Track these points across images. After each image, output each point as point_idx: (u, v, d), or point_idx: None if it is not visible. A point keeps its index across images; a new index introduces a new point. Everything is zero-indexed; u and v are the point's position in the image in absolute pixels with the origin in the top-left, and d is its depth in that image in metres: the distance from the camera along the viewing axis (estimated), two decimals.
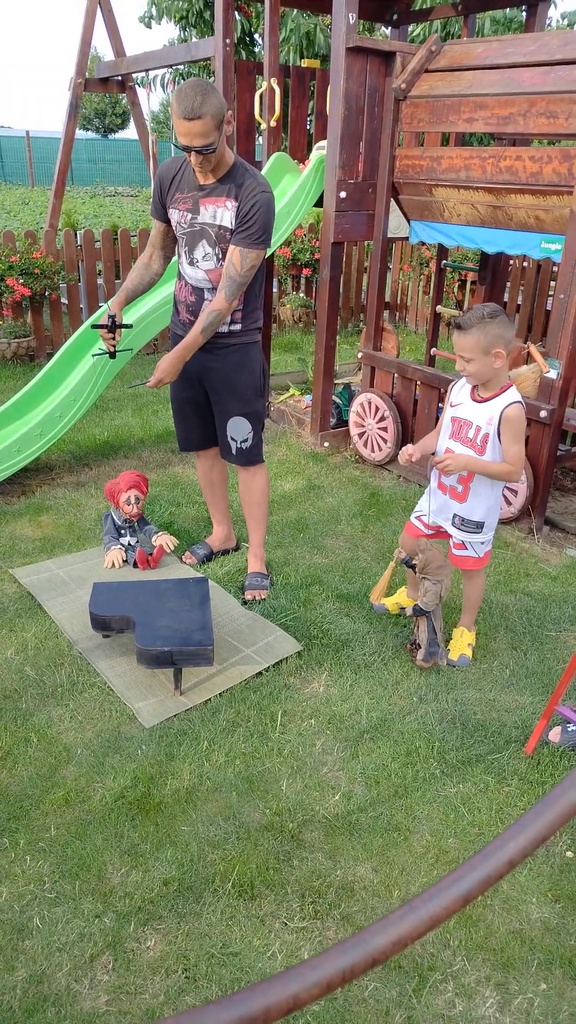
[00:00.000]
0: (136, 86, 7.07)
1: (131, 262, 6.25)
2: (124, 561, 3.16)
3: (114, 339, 2.79)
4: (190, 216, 2.66)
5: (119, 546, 3.18)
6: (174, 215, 2.71)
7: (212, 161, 2.52)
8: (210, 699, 2.43)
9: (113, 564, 3.13)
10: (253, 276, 2.67)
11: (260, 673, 2.57)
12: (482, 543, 2.59)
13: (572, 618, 2.92)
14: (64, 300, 6.13)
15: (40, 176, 23.76)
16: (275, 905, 1.79)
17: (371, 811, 2.05)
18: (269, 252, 3.00)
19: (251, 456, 2.96)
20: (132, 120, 7.34)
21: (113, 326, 2.75)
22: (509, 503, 3.53)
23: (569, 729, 2.27)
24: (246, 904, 1.79)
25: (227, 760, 2.19)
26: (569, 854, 1.95)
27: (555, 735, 2.28)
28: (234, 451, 2.95)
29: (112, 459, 4.28)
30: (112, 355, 2.85)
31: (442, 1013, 1.59)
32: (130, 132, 38.34)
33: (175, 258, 2.85)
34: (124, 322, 2.84)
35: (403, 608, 2.86)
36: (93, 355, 3.02)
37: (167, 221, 2.76)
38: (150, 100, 6.16)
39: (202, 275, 2.72)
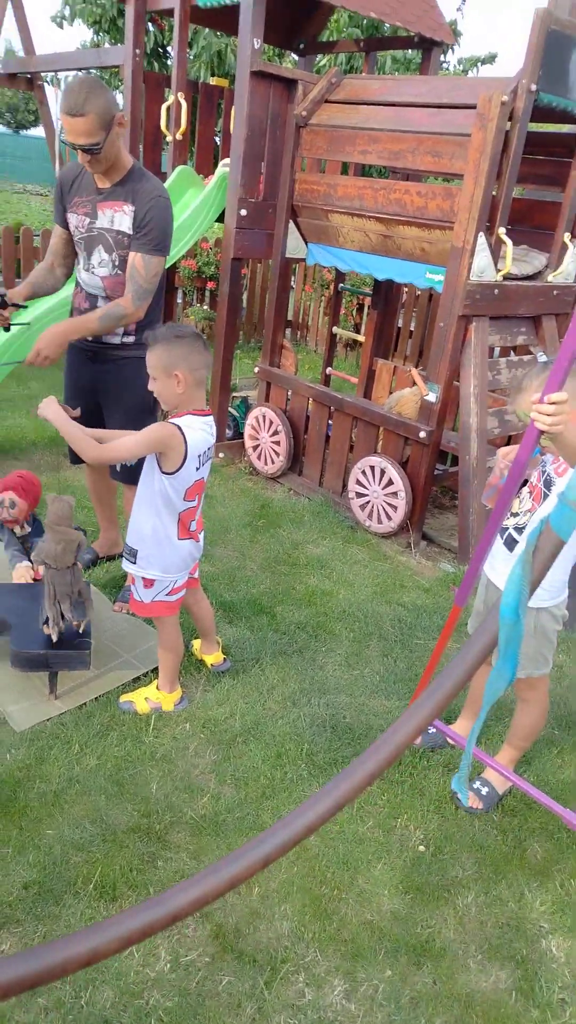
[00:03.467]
0: (45, 84, 6.97)
1: (33, 262, 6.14)
2: (35, 579, 2.81)
3: (3, 315, 2.72)
4: (88, 220, 2.64)
5: (27, 562, 2.87)
6: (72, 219, 2.69)
7: (103, 163, 2.49)
8: (85, 703, 2.42)
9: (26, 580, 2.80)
10: (157, 285, 2.66)
11: (137, 678, 2.58)
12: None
13: (440, 627, 3.09)
14: None
15: None
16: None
17: (238, 811, 2.10)
18: (168, 263, 3.03)
19: (135, 474, 2.89)
20: (41, 120, 7.22)
21: (3, 303, 2.69)
22: (389, 517, 3.69)
23: (429, 731, 2.40)
24: (107, 906, 1.80)
25: (99, 763, 2.20)
26: (421, 848, 2.06)
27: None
28: (119, 468, 2.89)
29: (1, 461, 4.18)
30: (6, 328, 2.77)
31: (292, 1003, 1.65)
32: (42, 130, 37.49)
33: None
34: (19, 302, 2.76)
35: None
36: None
37: (67, 226, 2.73)
38: (59, 100, 6.08)
39: (97, 282, 2.69)
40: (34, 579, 2.79)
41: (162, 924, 0.65)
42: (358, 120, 3.69)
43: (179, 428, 2.14)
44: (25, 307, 2.78)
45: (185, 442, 2.14)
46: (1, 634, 2.51)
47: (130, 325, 2.70)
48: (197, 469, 2.21)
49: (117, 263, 2.64)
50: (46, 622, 2.34)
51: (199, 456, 2.20)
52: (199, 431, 2.18)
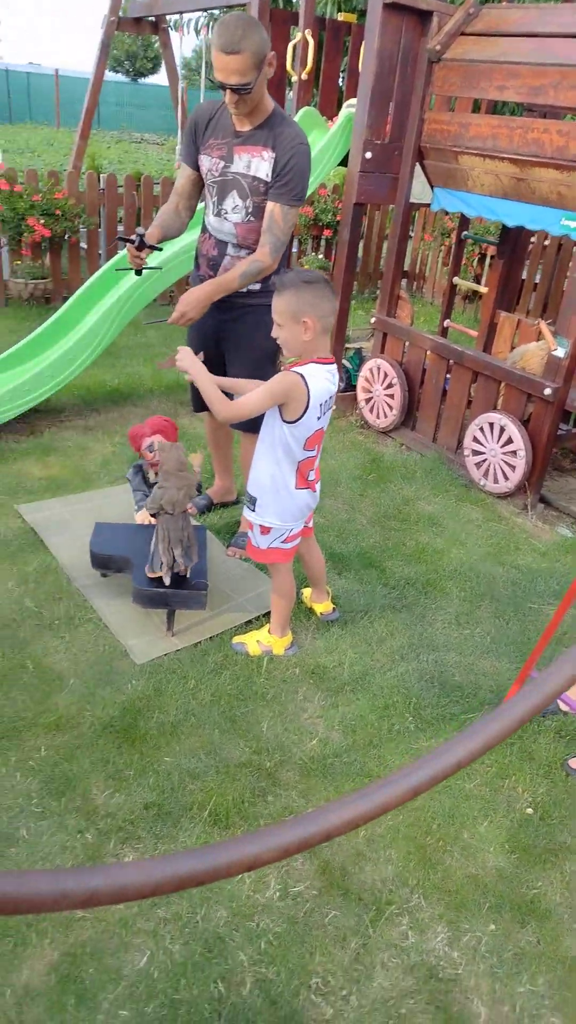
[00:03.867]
0: (169, 29, 6.94)
1: (153, 210, 6.21)
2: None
3: (140, 257, 2.60)
4: (222, 164, 2.55)
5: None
6: (205, 162, 2.59)
7: (249, 104, 2.40)
8: (200, 642, 2.52)
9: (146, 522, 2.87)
10: (290, 235, 2.58)
11: (250, 622, 2.65)
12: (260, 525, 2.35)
13: (556, 592, 3.00)
14: (83, 244, 6.10)
15: (67, 117, 23.30)
16: None
17: (345, 757, 2.14)
18: None
19: (256, 423, 2.89)
20: (163, 64, 7.22)
21: (142, 244, 2.56)
22: (507, 477, 3.58)
23: None
24: (220, 832, 1.89)
25: (212, 700, 2.29)
26: (529, 811, 2.04)
27: None
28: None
29: (121, 406, 4.32)
30: (138, 272, 2.67)
31: (395, 943, 1.69)
32: (160, 77, 37.46)
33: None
34: (155, 244, 2.64)
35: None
36: (117, 268, 2.83)
37: (198, 168, 2.64)
38: (183, 45, 6.07)
39: (229, 227, 2.62)
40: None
41: (317, 839, 0.67)
42: (496, 53, 3.48)
43: (303, 377, 2.13)
44: (160, 249, 2.70)
45: (308, 391, 2.13)
46: (123, 571, 2.64)
47: None
48: (318, 419, 2.21)
49: (251, 210, 2.57)
50: (154, 566, 2.42)
51: (320, 405, 2.19)
52: (322, 380, 2.17)
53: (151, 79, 35.53)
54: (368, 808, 0.69)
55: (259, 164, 2.50)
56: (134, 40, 32.53)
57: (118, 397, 4.43)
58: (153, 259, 2.67)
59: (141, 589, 2.44)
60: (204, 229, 2.74)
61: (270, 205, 2.51)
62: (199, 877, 0.61)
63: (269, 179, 2.50)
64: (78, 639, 2.47)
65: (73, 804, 1.91)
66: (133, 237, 2.55)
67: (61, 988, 1.52)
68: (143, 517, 2.90)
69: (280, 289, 2.09)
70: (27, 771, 1.98)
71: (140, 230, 2.56)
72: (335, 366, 2.24)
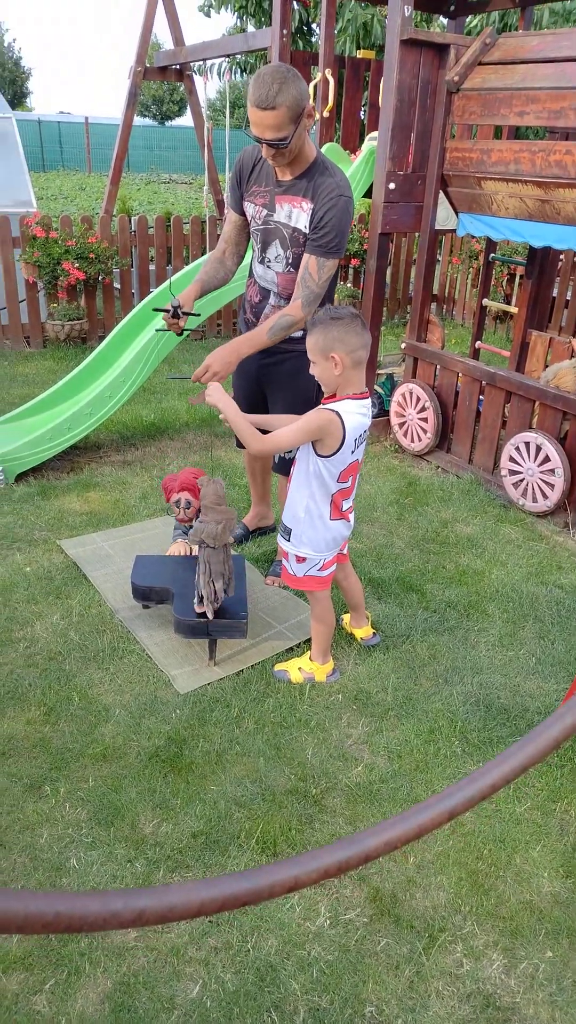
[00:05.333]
0: (194, 74, 7.17)
1: (183, 249, 6.38)
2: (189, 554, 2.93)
3: (178, 324, 2.58)
4: (265, 212, 2.53)
5: (185, 540, 2.96)
6: (249, 209, 2.58)
7: (287, 156, 2.36)
8: (242, 670, 2.54)
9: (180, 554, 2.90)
10: (327, 287, 2.53)
11: (291, 649, 2.66)
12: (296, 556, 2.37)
13: None
14: (117, 285, 6.28)
15: (97, 162, 24.12)
16: None
17: (392, 783, 2.13)
18: None
19: (291, 466, 2.80)
20: (190, 109, 7.45)
21: (176, 314, 2.55)
22: (545, 496, 3.55)
23: None
24: (268, 860, 1.89)
25: (256, 727, 2.30)
26: None
27: None
28: (276, 459, 2.89)
29: (158, 440, 4.41)
30: (179, 334, 2.68)
31: (450, 971, 1.67)
32: (186, 119, 38.58)
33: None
34: (191, 311, 2.63)
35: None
36: (157, 329, 2.88)
37: (243, 214, 2.63)
38: (207, 88, 6.26)
39: (271, 276, 2.61)
40: (189, 553, 2.92)
41: (356, 862, 0.68)
42: (515, 80, 3.53)
43: (337, 414, 2.15)
44: (198, 315, 2.71)
45: (343, 428, 2.16)
46: (164, 602, 2.68)
47: None
48: (352, 452, 2.23)
49: (291, 260, 2.54)
50: (199, 600, 2.45)
51: (355, 440, 2.22)
52: (357, 415, 2.19)
53: (178, 121, 36.60)
54: (406, 831, 0.71)
55: (299, 215, 2.46)
56: (160, 85, 33.61)
57: (155, 431, 4.53)
58: (191, 321, 2.65)
59: (182, 619, 2.47)
60: (251, 274, 2.74)
61: (305, 257, 2.47)
62: (242, 898, 0.63)
63: (307, 230, 2.45)
64: (122, 670, 2.51)
65: (122, 833, 1.93)
66: (168, 308, 2.54)
67: (115, 1018, 1.53)
68: (176, 549, 2.94)
69: (310, 327, 2.13)
70: (76, 801, 2.01)
71: (175, 301, 2.54)
72: (369, 400, 2.26)
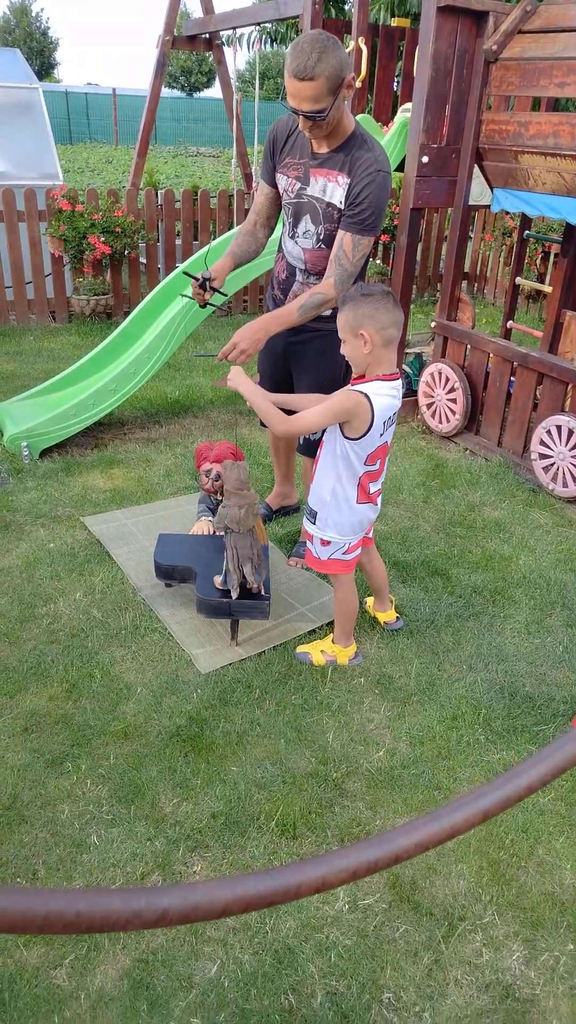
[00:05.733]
0: (223, 44, 7.04)
1: (209, 224, 6.31)
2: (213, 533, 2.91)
3: (203, 295, 2.52)
4: (298, 185, 2.45)
5: (210, 518, 2.97)
6: (282, 181, 2.51)
7: (325, 128, 2.27)
8: (264, 651, 2.52)
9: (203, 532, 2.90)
10: (362, 266, 2.46)
11: (313, 631, 2.64)
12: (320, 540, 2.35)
13: None
14: (142, 260, 6.23)
15: (124, 134, 23.92)
16: (315, 846, 1.88)
17: (413, 768, 2.11)
18: None
19: (317, 449, 2.72)
20: (219, 79, 7.32)
21: (204, 285, 2.49)
22: None
23: None
24: (288, 842, 1.88)
25: (277, 709, 2.29)
26: None
27: None
28: (301, 440, 2.85)
29: (182, 418, 4.39)
30: (203, 306, 2.60)
31: (469, 960, 1.66)
32: (214, 91, 38.09)
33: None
34: (220, 288, 2.56)
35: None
36: (181, 294, 2.80)
37: (275, 186, 2.56)
38: (236, 59, 6.13)
39: (300, 253, 2.55)
40: (212, 533, 2.91)
41: (385, 863, 0.66)
42: (556, 50, 3.40)
43: (366, 396, 2.10)
44: (225, 295, 2.62)
45: (372, 410, 2.11)
46: (186, 581, 2.67)
47: None
48: (381, 435, 2.19)
49: (322, 236, 2.47)
50: (224, 578, 2.44)
51: (384, 422, 2.17)
52: (385, 397, 2.14)
53: (206, 93, 36.15)
54: (437, 831, 0.68)
55: (334, 190, 2.39)
56: (189, 56, 33.14)
57: (179, 409, 4.50)
58: (216, 299, 2.60)
59: (205, 599, 2.46)
60: (280, 249, 2.67)
61: (340, 233, 2.39)
62: (267, 898, 0.61)
63: (343, 206, 2.38)
64: (144, 649, 2.51)
65: (142, 812, 1.94)
66: (199, 276, 2.49)
67: (134, 994, 1.54)
68: (199, 528, 2.93)
69: (341, 305, 2.08)
70: (97, 778, 2.02)
71: (206, 272, 2.49)
72: (400, 381, 2.21)
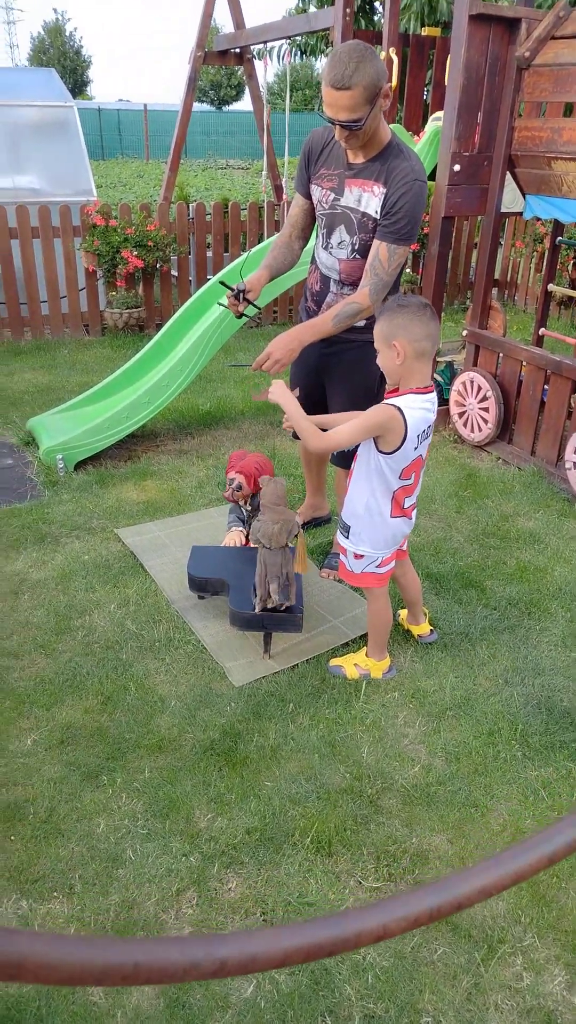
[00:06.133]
0: (253, 58, 7.10)
1: (240, 236, 6.34)
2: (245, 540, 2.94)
3: (238, 305, 2.55)
4: (332, 196, 2.45)
5: (240, 529, 2.97)
6: (316, 192, 2.51)
7: (361, 138, 2.27)
8: (297, 664, 2.51)
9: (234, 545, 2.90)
10: (397, 276, 2.46)
11: (346, 643, 2.63)
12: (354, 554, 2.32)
13: None
14: (174, 272, 6.29)
15: (156, 149, 24.23)
16: (351, 864, 1.86)
17: (449, 785, 2.08)
18: None
19: (351, 459, 2.67)
20: (248, 92, 7.38)
21: (238, 296, 2.52)
22: None
23: None
24: (323, 860, 1.87)
25: (311, 723, 2.27)
26: None
27: None
28: (335, 452, 2.81)
29: (214, 429, 4.41)
30: (238, 316, 2.63)
31: (509, 984, 1.62)
32: (243, 104, 38.47)
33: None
34: (255, 301, 2.59)
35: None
36: (218, 303, 2.81)
37: (310, 197, 2.56)
38: (267, 72, 6.16)
39: (334, 264, 2.54)
40: (245, 543, 2.91)
41: (448, 910, 0.64)
42: None
43: (399, 409, 2.09)
44: (259, 308, 2.65)
45: (405, 423, 2.09)
46: (219, 593, 2.67)
47: None
48: (415, 448, 2.17)
49: (357, 247, 2.46)
50: (255, 593, 2.44)
51: (418, 436, 2.15)
52: (419, 410, 2.12)
53: (235, 106, 36.50)
54: (500, 877, 0.66)
55: (369, 199, 2.39)
56: (218, 70, 33.51)
57: (211, 420, 4.52)
58: (250, 310, 2.62)
59: (238, 612, 2.46)
60: (313, 260, 2.67)
61: (376, 244, 2.39)
62: (327, 948, 0.60)
63: (378, 216, 2.38)
64: (178, 661, 2.52)
65: (177, 827, 1.94)
66: (235, 287, 2.51)
67: (170, 1013, 1.53)
68: (231, 538, 2.93)
69: (378, 315, 2.08)
70: (132, 792, 2.03)
71: (241, 284, 2.52)
72: (434, 394, 2.19)
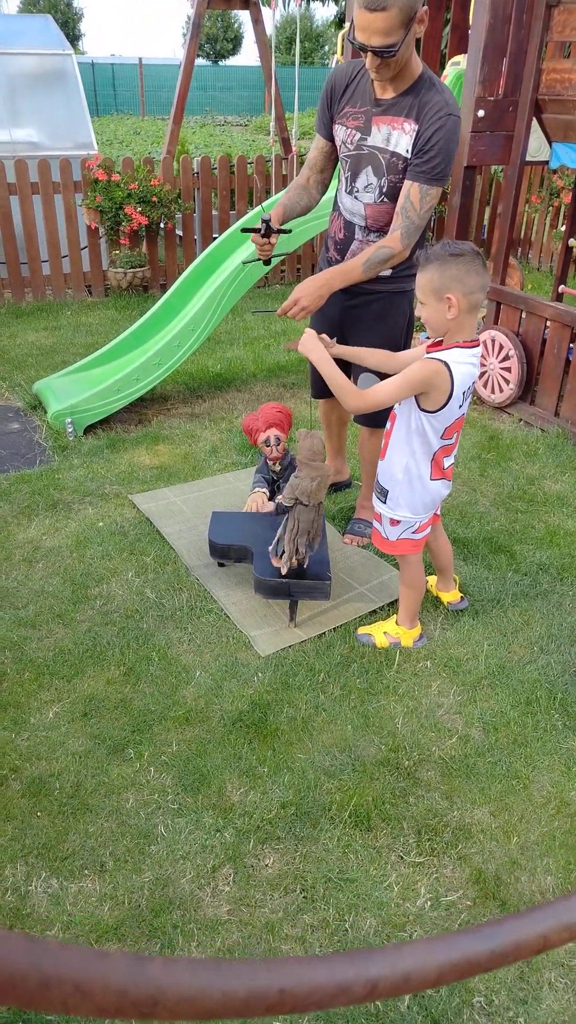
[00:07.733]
0: (259, 3, 6.79)
1: (246, 192, 6.13)
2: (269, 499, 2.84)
3: (269, 243, 2.36)
4: (358, 136, 2.30)
5: (264, 490, 2.86)
6: (340, 132, 2.35)
7: (393, 68, 2.11)
8: (324, 633, 2.43)
9: (255, 507, 2.79)
10: (429, 218, 2.31)
11: (374, 611, 2.54)
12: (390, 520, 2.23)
13: None
14: (179, 231, 6.09)
15: (151, 105, 23.55)
16: (391, 838, 1.79)
17: (489, 756, 2.01)
18: None
19: (376, 418, 2.52)
20: (256, 39, 7.08)
21: (268, 231, 2.33)
22: None
23: None
24: (362, 834, 1.80)
25: (342, 694, 2.20)
26: None
27: None
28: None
29: (225, 392, 4.28)
30: (266, 262, 2.46)
31: (562, 962, 1.57)
32: (240, 59, 37.34)
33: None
34: (283, 227, 2.40)
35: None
36: (243, 262, 2.61)
37: (332, 139, 2.40)
38: (274, 17, 5.89)
39: (359, 208, 2.39)
40: (265, 507, 2.80)
41: None
42: None
43: (445, 364, 1.96)
44: (289, 231, 2.46)
45: (452, 379, 1.97)
46: (242, 561, 2.58)
47: None
48: (460, 406, 2.05)
49: (385, 189, 2.32)
50: (278, 553, 2.34)
51: (464, 392, 2.03)
52: (466, 365, 1.99)
53: (232, 60, 35.46)
54: None
55: (399, 138, 2.23)
56: (214, 23, 32.50)
57: (221, 383, 4.39)
58: (282, 240, 2.43)
59: (263, 579, 2.37)
60: (335, 207, 2.52)
61: (407, 184, 2.24)
62: (484, 964, 0.51)
63: (409, 155, 2.23)
64: (200, 630, 2.43)
65: (209, 801, 1.87)
66: (259, 226, 2.33)
67: None
68: (253, 501, 2.82)
69: (424, 263, 1.92)
70: (161, 766, 1.95)
71: (265, 215, 2.34)
72: (480, 348, 2.06)
